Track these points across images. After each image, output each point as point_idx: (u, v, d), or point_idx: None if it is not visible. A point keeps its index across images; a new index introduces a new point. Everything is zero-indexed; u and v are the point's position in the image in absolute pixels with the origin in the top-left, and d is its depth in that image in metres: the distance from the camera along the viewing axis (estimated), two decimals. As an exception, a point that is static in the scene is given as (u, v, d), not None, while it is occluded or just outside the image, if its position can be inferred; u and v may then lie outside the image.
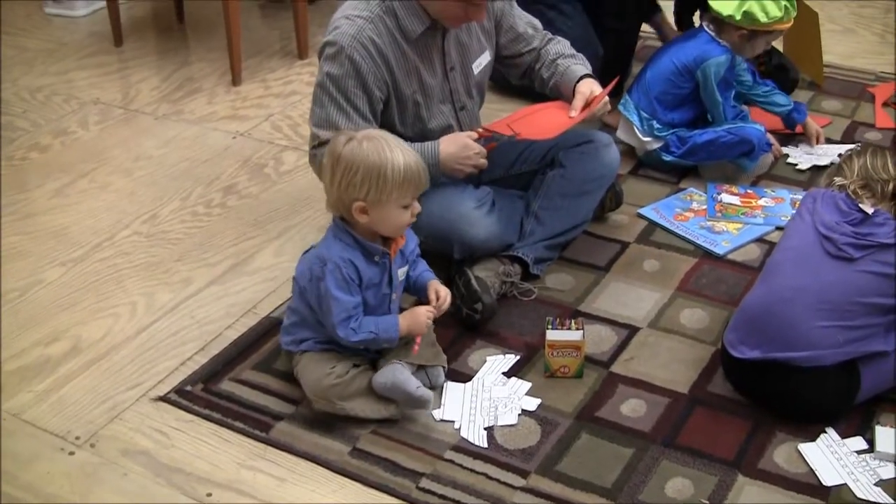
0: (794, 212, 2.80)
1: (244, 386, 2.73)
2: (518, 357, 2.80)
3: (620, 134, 3.73)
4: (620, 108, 3.72)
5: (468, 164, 2.89)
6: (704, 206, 3.47)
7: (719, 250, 3.24)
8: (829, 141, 3.90)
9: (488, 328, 2.90)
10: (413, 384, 2.54)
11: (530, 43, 3.16)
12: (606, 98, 3.01)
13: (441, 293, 2.67)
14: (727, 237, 3.30)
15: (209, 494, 2.42)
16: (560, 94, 3.10)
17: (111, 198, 3.65)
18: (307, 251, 2.67)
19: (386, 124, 2.92)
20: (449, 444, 2.54)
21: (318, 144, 2.87)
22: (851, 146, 3.28)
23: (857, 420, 2.58)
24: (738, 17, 3.48)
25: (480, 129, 2.95)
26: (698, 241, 3.29)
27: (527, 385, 2.70)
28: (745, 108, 3.74)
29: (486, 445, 2.53)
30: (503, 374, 2.74)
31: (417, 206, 2.54)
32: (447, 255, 2.99)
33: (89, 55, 4.84)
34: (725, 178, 3.64)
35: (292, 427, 2.59)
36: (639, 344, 2.86)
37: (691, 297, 3.05)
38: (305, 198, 3.56)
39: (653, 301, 3.03)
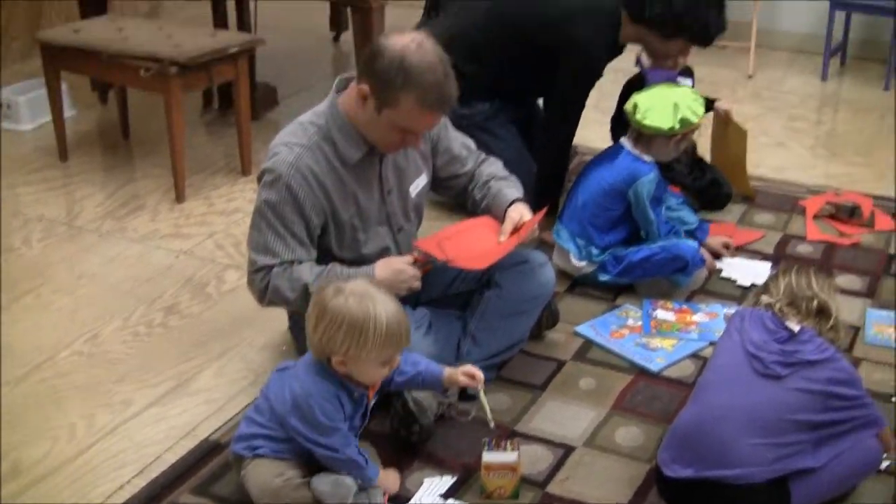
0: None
1: (182, 511, 2.72)
2: (455, 478, 2.81)
3: (556, 260, 3.72)
4: (555, 236, 3.75)
5: (403, 287, 2.93)
6: (640, 323, 3.52)
7: (654, 367, 3.28)
8: (761, 255, 3.99)
9: (426, 449, 2.91)
10: (351, 499, 2.56)
11: (465, 164, 3.24)
12: (535, 225, 3.08)
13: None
14: (661, 354, 3.35)
15: None
16: (492, 216, 3.16)
17: (54, 317, 3.65)
18: (282, 368, 2.70)
19: (322, 248, 2.98)
20: (387, 568, 2.55)
21: (256, 270, 2.92)
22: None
23: (787, 538, 2.60)
24: (677, 127, 3.57)
25: (416, 254, 3.01)
26: (633, 359, 3.33)
27: (464, 507, 2.72)
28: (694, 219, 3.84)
29: (423, 570, 2.54)
30: (440, 496, 2.75)
31: (397, 360, 2.60)
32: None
33: (35, 170, 4.85)
34: (661, 293, 3.68)
35: (229, 554, 2.59)
36: (574, 463, 2.88)
37: (626, 414, 3.08)
38: (246, 317, 3.57)
39: (588, 419, 3.06)
